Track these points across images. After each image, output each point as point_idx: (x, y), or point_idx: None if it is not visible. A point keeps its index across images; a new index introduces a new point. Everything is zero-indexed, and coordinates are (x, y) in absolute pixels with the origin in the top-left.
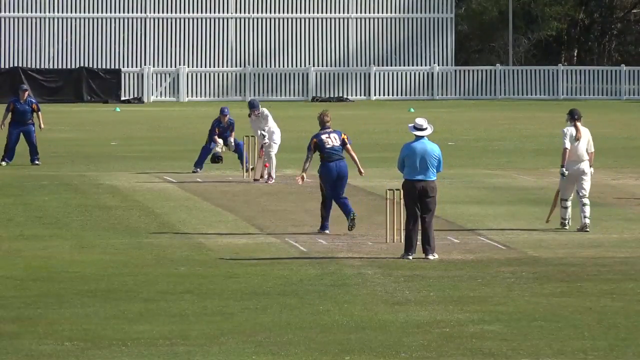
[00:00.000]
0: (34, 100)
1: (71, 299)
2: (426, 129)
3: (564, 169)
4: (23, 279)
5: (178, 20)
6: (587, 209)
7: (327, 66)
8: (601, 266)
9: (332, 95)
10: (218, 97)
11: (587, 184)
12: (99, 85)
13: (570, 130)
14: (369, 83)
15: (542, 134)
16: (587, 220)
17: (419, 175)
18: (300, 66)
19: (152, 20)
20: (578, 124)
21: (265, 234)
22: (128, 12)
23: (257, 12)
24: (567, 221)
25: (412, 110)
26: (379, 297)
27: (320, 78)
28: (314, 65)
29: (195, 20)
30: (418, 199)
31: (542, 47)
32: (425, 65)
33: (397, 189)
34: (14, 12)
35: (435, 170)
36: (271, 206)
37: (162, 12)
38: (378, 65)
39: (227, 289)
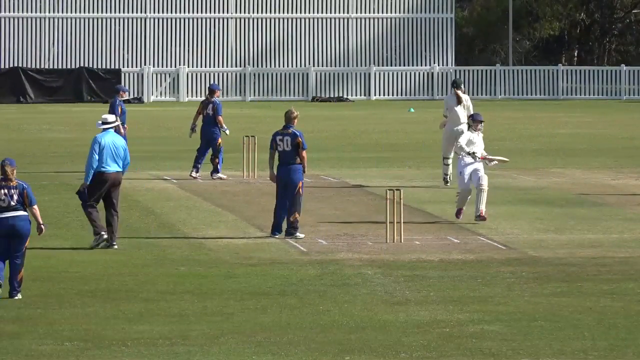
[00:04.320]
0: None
1: (71, 299)
2: (114, 122)
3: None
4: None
5: (178, 20)
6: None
7: (327, 66)
8: (601, 266)
9: (332, 95)
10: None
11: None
12: (99, 85)
13: (449, 98)
14: (369, 83)
15: (542, 134)
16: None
17: (113, 166)
18: (300, 66)
19: (152, 20)
20: (458, 92)
21: (265, 234)
22: (128, 12)
23: (257, 12)
24: (448, 176)
25: (412, 110)
26: (379, 297)
27: (320, 78)
28: (314, 65)
29: (195, 20)
30: (108, 190)
31: (542, 47)
32: (425, 65)
33: (397, 189)
34: (14, 12)
35: (121, 162)
36: (271, 206)
37: (162, 12)
38: (378, 65)
39: (227, 289)
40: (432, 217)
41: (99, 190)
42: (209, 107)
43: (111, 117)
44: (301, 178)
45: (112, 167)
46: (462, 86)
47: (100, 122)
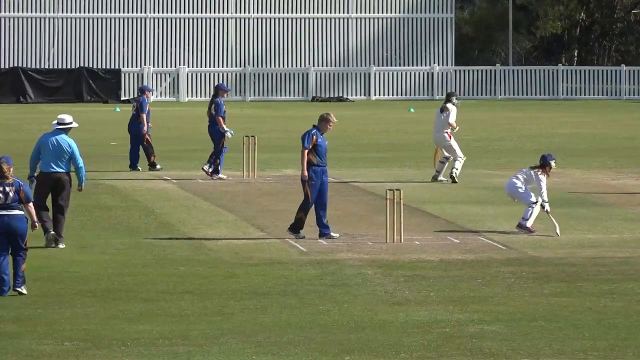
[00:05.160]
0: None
1: (71, 299)
2: (69, 123)
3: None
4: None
5: (178, 20)
6: (458, 164)
7: (327, 66)
8: (601, 266)
9: (332, 95)
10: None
11: (454, 147)
12: (99, 85)
13: (439, 107)
14: (369, 83)
15: (542, 134)
16: (456, 171)
17: (56, 167)
18: (300, 66)
19: (152, 20)
20: (447, 104)
21: (265, 234)
22: (128, 12)
23: (257, 12)
24: (439, 175)
25: (412, 110)
26: (379, 297)
27: (320, 78)
28: (314, 65)
29: (195, 20)
30: (53, 191)
31: (542, 47)
32: (425, 65)
33: (397, 189)
34: (14, 12)
35: (68, 164)
36: (271, 206)
37: (162, 12)
38: (378, 65)
39: (227, 289)
40: (432, 217)
41: (42, 190)
42: (212, 107)
43: (68, 118)
44: (304, 177)
45: (54, 168)
46: (454, 99)
47: (55, 121)
